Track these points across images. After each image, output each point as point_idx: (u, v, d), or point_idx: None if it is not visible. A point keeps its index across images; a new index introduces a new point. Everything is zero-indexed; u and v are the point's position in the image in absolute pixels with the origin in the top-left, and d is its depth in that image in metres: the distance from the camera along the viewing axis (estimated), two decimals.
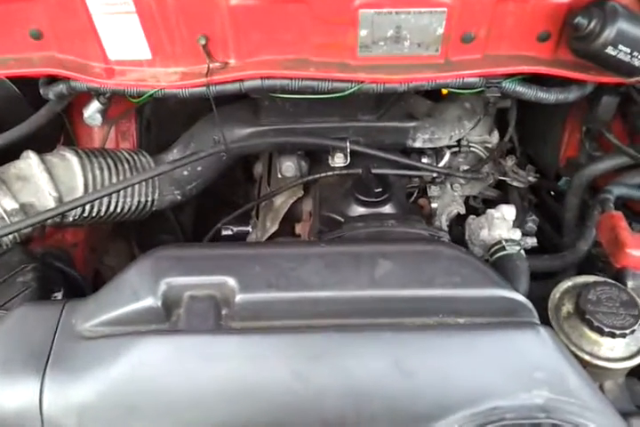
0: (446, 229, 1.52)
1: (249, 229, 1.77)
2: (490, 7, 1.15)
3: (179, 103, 1.48)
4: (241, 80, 1.22)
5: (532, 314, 1.01)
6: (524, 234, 1.60)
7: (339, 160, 1.52)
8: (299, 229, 1.60)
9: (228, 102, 1.51)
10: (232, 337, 0.94)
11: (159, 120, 1.75)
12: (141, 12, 1.16)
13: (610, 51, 1.11)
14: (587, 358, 1.03)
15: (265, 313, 0.97)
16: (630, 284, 1.24)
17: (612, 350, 1.04)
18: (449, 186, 1.65)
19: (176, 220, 2.06)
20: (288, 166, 1.56)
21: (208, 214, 1.99)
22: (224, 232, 1.78)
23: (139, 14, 1.17)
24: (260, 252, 1.07)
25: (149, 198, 1.44)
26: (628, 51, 1.11)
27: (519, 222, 1.61)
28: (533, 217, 1.66)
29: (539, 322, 1.00)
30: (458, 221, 1.64)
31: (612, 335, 1.02)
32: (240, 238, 1.76)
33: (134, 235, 1.92)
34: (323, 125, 1.49)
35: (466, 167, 1.72)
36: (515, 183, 1.70)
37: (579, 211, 1.62)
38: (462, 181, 1.69)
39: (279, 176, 1.59)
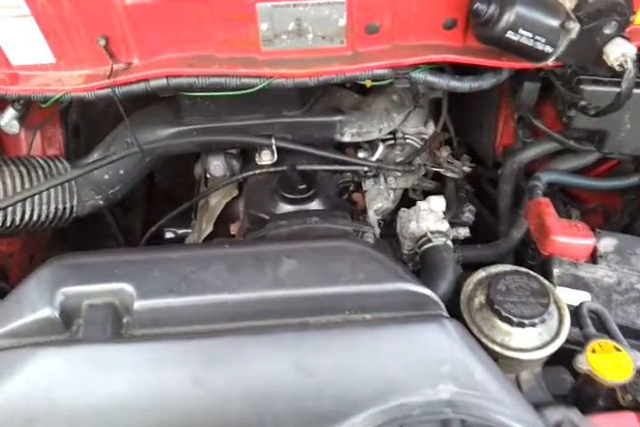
0: (375, 223, 1.50)
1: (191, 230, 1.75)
2: None
3: (108, 105, 1.45)
4: (146, 80, 1.20)
5: (439, 307, 0.99)
6: (461, 224, 1.59)
7: (266, 158, 1.50)
8: (233, 228, 1.59)
9: (152, 102, 1.49)
10: (130, 345, 0.92)
11: (89, 123, 1.72)
12: (37, 14, 1.14)
13: (511, 35, 1.10)
14: (498, 349, 1.01)
15: (166, 319, 0.95)
16: (556, 271, 1.23)
17: (523, 340, 1.02)
18: (382, 179, 1.63)
19: (124, 223, 2.04)
20: (216, 166, 1.54)
21: (161, 216, 1.95)
22: (167, 235, 1.76)
23: (34, 17, 1.14)
24: (160, 256, 1.04)
25: (67, 205, 1.41)
26: (530, 35, 1.10)
27: (454, 213, 1.60)
28: (470, 207, 1.65)
29: (446, 315, 0.99)
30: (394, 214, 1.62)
31: (522, 325, 1.00)
32: (183, 241, 1.74)
33: (74, 241, 1.89)
34: (247, 123, 1.47)
35: (401, 159, 1.70)
36: (449, 174, 1.69)
37: (512, 199, 1.61)
38: (398, 173, 1.67)
39: (208, 176, 1.56)
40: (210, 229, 1.60)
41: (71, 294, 0.96)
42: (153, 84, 1.20)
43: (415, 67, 1.23)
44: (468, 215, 1.65)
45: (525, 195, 1.51)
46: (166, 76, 1.20)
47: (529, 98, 1.42)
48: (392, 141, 1.68)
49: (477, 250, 1.50)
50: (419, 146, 1.70)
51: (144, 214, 2.14)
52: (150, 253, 1.08)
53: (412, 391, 0.87)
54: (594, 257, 1.28)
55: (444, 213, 1.47)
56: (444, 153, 1.70)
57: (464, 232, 1.51)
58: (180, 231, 1.76)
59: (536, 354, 1.01)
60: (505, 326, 1.02)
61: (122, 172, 1.46)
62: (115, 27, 1.15)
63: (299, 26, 1.14)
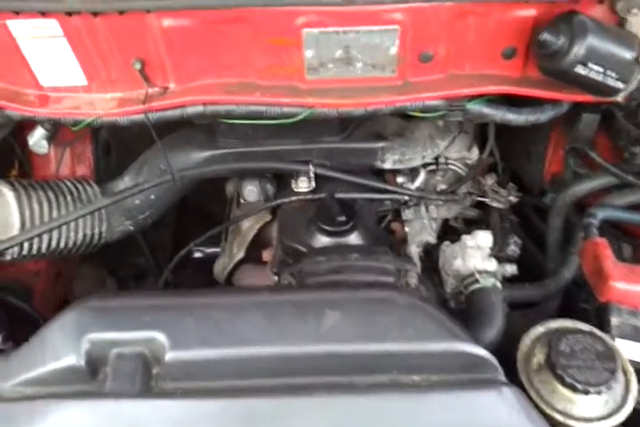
0: (416, 258, 1.41)
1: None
2: (447, 23, 1.05)
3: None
4: (182, 106, 1.13)
5: (496, 370, 0.90)
6: (506, 259, 1.50)
7: (302, 184, 1.42)
8: (266, 255, 1.51)
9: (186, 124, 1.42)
10: (160, 402, 0.85)
11: (120, 141, 1.66)
12: (70, 35, 1.07)
13: (580, 70, 1.01)
14: (559, 418, 0.92)
15: (199, 373, 0.88)
16: (615, 321, 1.13)
17: (587, 408, 0.92)
18: (424, 208, 1.54)
19: (153, 239, 1.98)
20: (250, 191, 1.47)
21: (188, 230, 1.89)
22: (195, 254, 1.69)
23: (67, 38, 1.08)
24: (194, 302, 0.98)
25: (96, 231, 1.35)
26: (601, 69, 1.01)
27: (500, 246, 1.50)
28: (515, 239, 1.55)
29: (503, 378, 0.90)
30: (435, 246, 1.53)
31: (587, 392, 0.91)
32: (212, 260, 1.67)
33: (102, 258, 1.83)
34: (285, 148, 1.39)
35: (444, 186, 1.61)
36: (495, 204, 1.58)
37: (563, 233, 1.51)
38: (439, 202, 1.58)
39: (241, 201, 1.49)
40: (241, 254, 1.53)
41: (98, 341, 0.90)
42: (189, 110, 1.14)
43: (470, 98, 1.14)
44: (513, 248, 1.55)
45: (577, 231, 1.41)
46: (203, 104, 1.12)
47: (587, 130, 1.33)
48: (434, 167, 1.58)
49: (525, 289, 1.40)
50: (461, 172, 1.61)
51: (173, 230, 2.07)
52: (183, 297, 1.01)
53: None
54: None
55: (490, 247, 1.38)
56: (490, 181, 1.60)
57: (511, 270, 1.41)
58: (209, 250, 1.70)
59: (601, 425, 0.92)
60: (567, 393, 0.92)
61: (153, 197, 1.39)
62: (151, 50, 1.09)
63: (347, 54, 1.06)
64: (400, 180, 1.56)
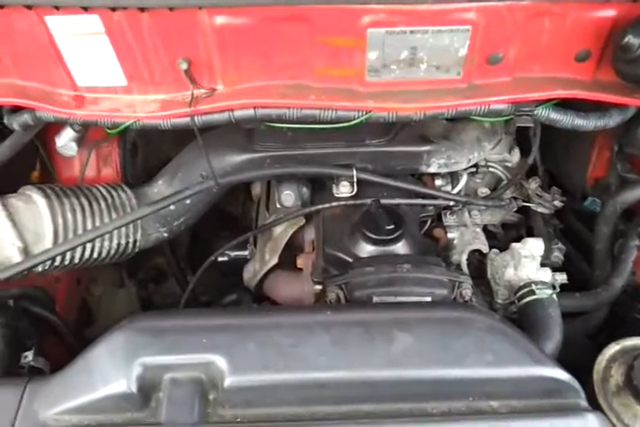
0: (465, 267, 1.35)
1: (246, 254, 1.61)
2: (522, 23, 0.98)
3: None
4: (231, 109, 1.06)
5: (579, 395, 0.86)
6: (551, 265, 1.44)
7: (344, 189, 1.35)
8: (300, 262, 1.44)
9: None
10: None
11: (147, 142, 1.58)
12: (111, 32, 0.99)
13: None
14: None
15: (260, 399, 0.83)
16: None
17: None
18: (467, 213, 1.47)
19: (172, 240, 1.90)
20: (287, 195, 1.40)
21: (205, 227, 1.82)
22: (220, 258, 1.62)
23: (109, 35, 1.00)
24: (253, 322, 0.91)
25: (131, 239, 1.28)
26: None
27: (545, 252, 1.44)
28: (559, 245, 1.50)
29: (585, 404, 0.85)
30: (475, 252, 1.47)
31: None
32: (237, 264, 1.60)
33: (124, 260, 1.75)
34: (326, 151, 1.33)
35: (484, 189, 1.55)
36: (540, 209, 1.52)
37: (611, 241, 1.45)
38: (482, 207, 1.51)
39: (277, 206, 1.42)
40: (274, 260, 1.46)
41: (151, 365, 0.84)
42: (238, 114, 1.06)
43: (537, 102, 1.07)
44: (557, 255, 1.51)
45: (629, 238, 1.36)
46: (254, 107, 1.05)
47: None
48: (473, 169, 1.52)
49: (576, 299, 1.35)
50: (501, 174, 1.55)
51: (191, 228, 2.00)
52: (241, 317, 0.94)
53: None
54: None
55: None
56: (533, 185, 1.54)
57: (561, 279, 1.35)
58: (234, 254, 1.62)
59: None
60: None
61: (188, 202, 1.32)
62: (200, 49, 1.01)
63: (413, 55, 0.99)
64: (439, 183, 1.50)
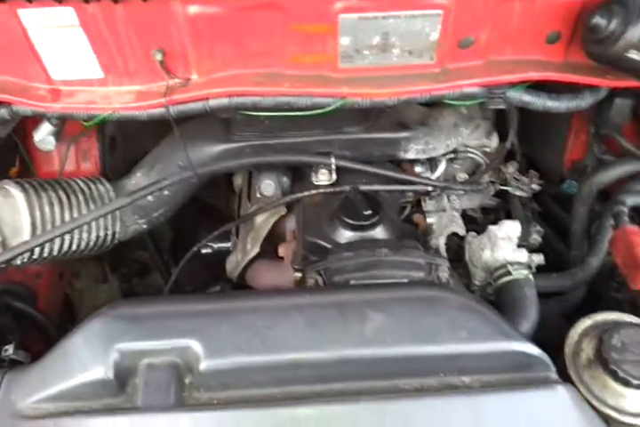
0: (444, 251, 1.36)
1: (229, 245, 1.61)
2: (493, 7, 1.00)
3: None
4: (205, 99, 1.06)
5: (549, 368, 0.88)
6: (528, 247, 1.46)
7: (323, 177, 1.36)
8: (282, 250, 1.45)
9: None
10: (196, 414, 0.81)
11: (126, 136, 1.57)
12: (86, 24, 1.00)
13: (633, 55, 0.96)
14: (613, 414, 0.89)
15: (236, 381, 0.83)
16: None
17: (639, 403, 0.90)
18: (445, 199, 1.49)
19: (152, 231, 1.90)
20: (267, 185, 1.41)
21: (188, 220, 1.82)
22: (203, 250, 1.62)
23: (83, 27, 1.00)
24: (229, 306, 0.93)
25: (110, 231, 1.28)
26: None
27: (523, 235, 1.46)
28: (538, 228, 1.52)
29: (556, 377, 0.87)
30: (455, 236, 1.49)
31: None
32: (220, 256, 1.61)
33: (107, 254, 1.75)
34: (304, 140, 1.33)
35: (463, 175, 1.56)
36: (518, 193, 1.54)
37: (588, 222, 1.47)
38: (461, 192, 1.53)
39: (257, 196, 1.42)
40: (256, 250, 1.47)
41: (127, 351, 0.85)
42: (213, 103, 1.07)
43: (510, 85, 1.09)
44: (535, 237, 1.52)
45: (604, 219, 1.38)
46: (229, 95, 1.05)
47: (620, 116, 1.29)
48: (452, 155, 1.53)
49: (553, 279, 1.36)
50: (480, 160, 1.56)
51: (173, 221, 2.00)
52: (217, 302, 0.96)
53: None
54: None
55: None
56: (511, 169, 1.56)
57: (538, 260, 1.37)
58: (217, 246, 1.63)
59: None
60: (619, 388, 0.90)
61: (167, 193, 1.32)
62: (173, 39, 1.01)
63: (385, 40, 1.00)
64: (418, 169, 1.51)
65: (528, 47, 1.07)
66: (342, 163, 1.32)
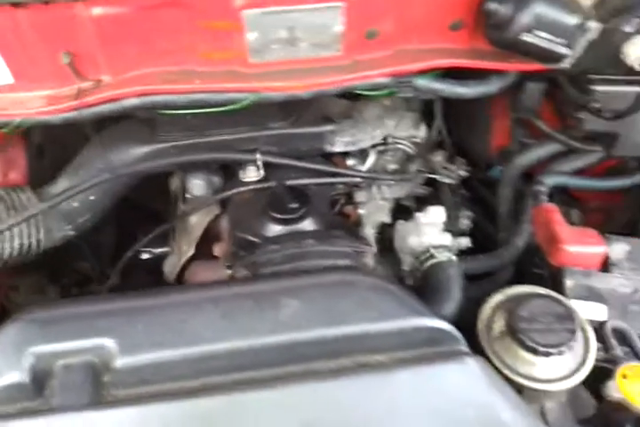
0: (373, 239, 1.39)
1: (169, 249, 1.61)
2: None
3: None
4: (118, 99, 1.06)
5: (458, 341, 0.91)
6: (459, 233, 1.50)
7: (251, 174, 1.37)
8: (217, 250, 1.45)
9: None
10: (112, 410, 0.81)
11: (53, 143, 1.56)
12: None
13: (527, 37, 1.00)
14: (523, 381, 0.94)
15: (153, 376, 0.84)
16: (569, 283, 1.15)
17: (549, 370, 0.94)
18: (376, 189, 1.52)
19: (94, 240, 1.88)
20: (196, 184, 1.41)
21: (131, 227, 1.81)
22: (143, 256, 1.62)
23: None
24: (143, 303, 0.93)
25: (33, 239, 1.26)
26: (547, 36, 1.00)
27: (452, 221, 1.51)
28: (467, 213, 1.56)
29: (466, 349, 0.90)
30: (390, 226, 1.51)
31: (548, 354, 0.93)
32: (162, 261, 1.60)
33: (41, 265, 1.73)
34: (230, 137, 1.34)
35: (394, 166, 1.59)
36: (445, 180, 1.58)
37: (513, 204, 1.52)
38: (391, 182, 1.56)
39: (187, 196, 1.43)
40: (191, 251, 1.47)
41: (42, 354, 0.85)
42: (126, 103, 1.07)
43: (419, 73, 1.12)
44: (465, 222, 1.57)
45: (527, 199, 1.42)
46: (141, 94, 1.06)
47: (532, 99, 1.33)
48: (383, 147, 1.56)
49: (480, 261, 1.41)
50: (410, 150, 1.59)
51: (116, 229, 1.98)
52: (132, 300, 0.96)
53: None
54: (606, 265, 1.19)
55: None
56: (439, 157, 1.60)
57: (465, 242, 1.41)
58: (158, 251, 1.63)
59: (564, 384, 0.94)
60: (529, 356, 0.94)
61: (92, 198, 1.31)
62: (80, 41, 1.01)
63: (291, 34, 1.01)
64: (350, 162, 1.53)
65: (433, 36, 1.10)
66: (267, 158, 1.34)
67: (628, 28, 1.03)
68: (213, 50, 1.04)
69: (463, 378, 0.83)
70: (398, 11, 1.04)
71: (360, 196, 1.52)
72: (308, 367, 0.84)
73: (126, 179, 1.32)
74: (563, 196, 1.67)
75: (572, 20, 1.00)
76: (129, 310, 0.92)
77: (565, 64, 1.06)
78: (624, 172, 1.51)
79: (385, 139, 1.55)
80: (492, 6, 0.99)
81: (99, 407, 0.81)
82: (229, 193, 1.37)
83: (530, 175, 1.50)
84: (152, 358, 0.85)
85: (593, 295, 1.15)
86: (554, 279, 1.20)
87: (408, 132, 1.58)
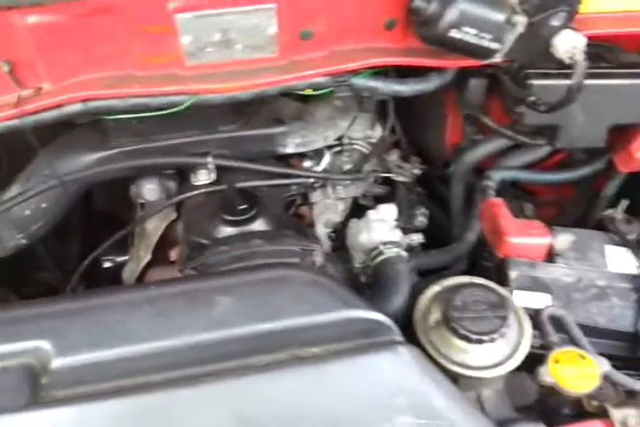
0: (325, 238, 1.41)
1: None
2: None
3: (32, 132, 1.31)
4: (59, 105, 1.07)
5: (393, 332, 0.92)
6: (414, 230, 1.52)
7: (202, 177, 1.38)
8: (173, 255, 1.47)
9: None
10: (48, 410, 0.81)
11: (10, 154, 1.56)
12: None
13: (454, 34, 1.03)
14: (457, 369, 0.96)
15: (90, 376, 0.84)
16: (513, 274, 1.18)
17: (482, 357, 0.96)
18: (330, 189, 1.54)
19: (59, 252, 1.88)
20: (149, 190, 1.42)
21: (100, 242, 1.81)
22: (105, 264, 1.63)
23: None
24: (80, 305, 0.94)
25: None
26: (475, 32, 1.03)
27: (407, 218, 1.53)
28: (422, 210, 1.58)
29: (400, 339, 0.91)
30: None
31: (480, 342, 0.95)
32: (122, 269, 1.61)
33: (8, 277, 1.73)
34: (180, 141, 1.35)
35: (350, 166, 1.61)
36: (399, 178, 1.60)
37: (465, 199, 1.55)
38: (347, 182, 1.58)
39: (141, 201, 1.44)
40: (148, 256, 1.48)
41: None
42: (67, 109, 1.08)
43: (356, 72, 1.14)
44: (421, 219, 1.58)
45: (477, 195, 1.45)
46: (82, 100, 1.07)
47: (475, 95, 1.35)
48: (339, 148, 1.58)
49: (432, 256, 1.43)
50: (367, 151, 1.61)
51: (82, 241, 1.98)
52: (68, 302, 0.97)
53: None
54: (551, 256, 1.22)
55: (397, 219, 1.39)
56: (393, 157, 1.62)
57: (417, 239, 1.44)
58: (119, 259, 1.63)
59: (497, 371, 0.96)
60: (463, 344, 0.96)
61: (44, 205, 1.32)
62: (18, 49, 1.03)
63: (225, 37, 1.03)
64: (307, 164, 1.55)
65: (368, 35, 1.12)
66: (218, 161, 1.35)
67: (554, 22, 1.06)
68: (150, 54, 1.06)
69: (396, 367, 0.85)
70: (331, 11, 1.06)
71: (315, 196, 1.54)
72: (243, 363, 0.85)
73: (78, 186, 1.33)
74: (516, 190, 1.70)
75: (497, 15, 1.03)
76: (65, 312, 0.92)
77: (497, 58, 1.09)
78: (572, 165, 1.54)
79: (340, 140, 1.58)
80: (419, 4, 1.02)
81: (36, 408, 0.81)
82: (181, 197, 1.38)
83: (480, 171, 1.53)
84: (89, 358, 0.85)
85: (537, 285, 1.17)
86: (499, 271, 1.22)
87: (364, 132, 1.61)
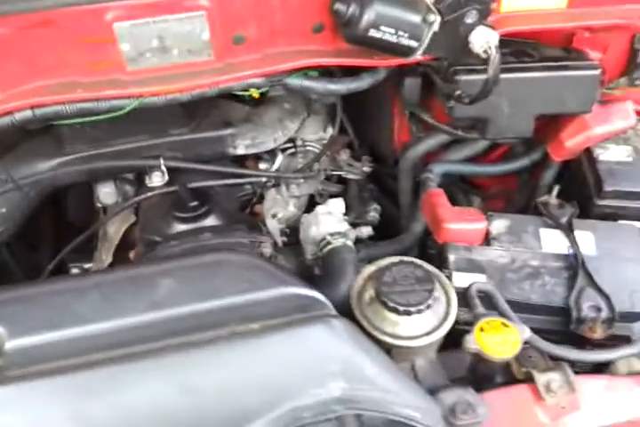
0: (277, 232, 1.48)
1: None
2: (253, 4, 1.12)
3: None
4: (10, 113, 1.14)
5: (326, 307, 0.99)
6: (366, 224, 1.59)
7: (156, 179, 1.45)
8: (132, 256, 1.53)
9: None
10: (3, 389, 0.86)
11: None
12: None
13: (374, 33, 1.10)
14: (389, 340, 1.03)
15: (41, 357, 0.90)
16: (451, 257, 1.26)
17: (411, 328, 1.04)
18: (284, 188, 1.61)
19: (29, 261, 1.93)
20: (106, 193, 1.48)
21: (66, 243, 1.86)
22: (73, 271, 1.68)
23: None
24: (30, 291, 1.00)
25: None
26: (393, 31, 1.11)
27: (358, 214, 1.60)
28: (375, 206, 1.66)
29: (333, 313, 0.98)
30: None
31: (409, 313, 1.02)
32: None
33: None
34: (133, 145, 1.42)
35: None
36: (350, 176, 1.69)
37: (413, 194, 1.62)
38: (300, 180, 1.65)
39: (98, 205, 1.50)
40: (110, 259, 1.55)
41: None
42: (18, 116, 1.15)
43: (290, 73, 1.21)
44: (373, 214, 1.66)
45: (421, 187, 1.52)
46: (31, 107, 1.14)
47: (411, 93, 1.43)
48: (292, 150, 1.66)
49: (381, 247, 1.50)
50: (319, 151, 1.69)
51: (52, 250, 2.03)
52: (18, 290, 1.03)
53: (301, 394, 0.86)
54: (487, 240, 1.30)
55: (347, 214, 1.47)
56: (344, 156, 1.70)
57: (367, 231, 1.51)
58: (87, 266, 1.69)
59: (425, 340, 1.04)
60: (393, 317, 1.04)
61: (4, 210, 1.38)
62: None
63: (162, 43, 1.11)
64: (263, 166, 1.62)
65: (298, 39, 1.20)
66: (171, 163, 1.42)
67: (468, 20, 1.14)
68: (92, 62, 1.12)
69: (329, 338, 0.91)
70: (259, 17, 1.14)
71: (269, 195, 1.61)
72: (185, 340, 0.90)
73: (37, 190, 1.40)
74: (464, 185, 1.78)
75: (414, 15, 1.11)
76: (16, 298, 0.98)
77: (417, 56, 1.17)
78: (513, 157, 1.62)
79: (294, 142, 1.65)
80: (339, 7, 1.09)
81: None
82: (136, 199, 1.45)
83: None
84: (40, 339, 0.91)
85: (474, 267, 1.25)
86: (440, 255, 1.29)
87: (317, 134, 1.69)
